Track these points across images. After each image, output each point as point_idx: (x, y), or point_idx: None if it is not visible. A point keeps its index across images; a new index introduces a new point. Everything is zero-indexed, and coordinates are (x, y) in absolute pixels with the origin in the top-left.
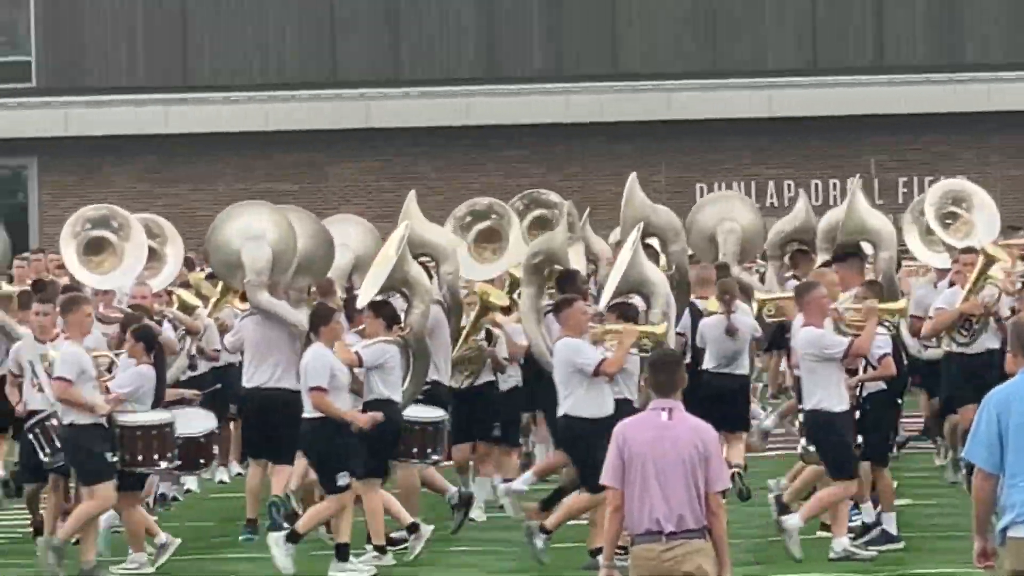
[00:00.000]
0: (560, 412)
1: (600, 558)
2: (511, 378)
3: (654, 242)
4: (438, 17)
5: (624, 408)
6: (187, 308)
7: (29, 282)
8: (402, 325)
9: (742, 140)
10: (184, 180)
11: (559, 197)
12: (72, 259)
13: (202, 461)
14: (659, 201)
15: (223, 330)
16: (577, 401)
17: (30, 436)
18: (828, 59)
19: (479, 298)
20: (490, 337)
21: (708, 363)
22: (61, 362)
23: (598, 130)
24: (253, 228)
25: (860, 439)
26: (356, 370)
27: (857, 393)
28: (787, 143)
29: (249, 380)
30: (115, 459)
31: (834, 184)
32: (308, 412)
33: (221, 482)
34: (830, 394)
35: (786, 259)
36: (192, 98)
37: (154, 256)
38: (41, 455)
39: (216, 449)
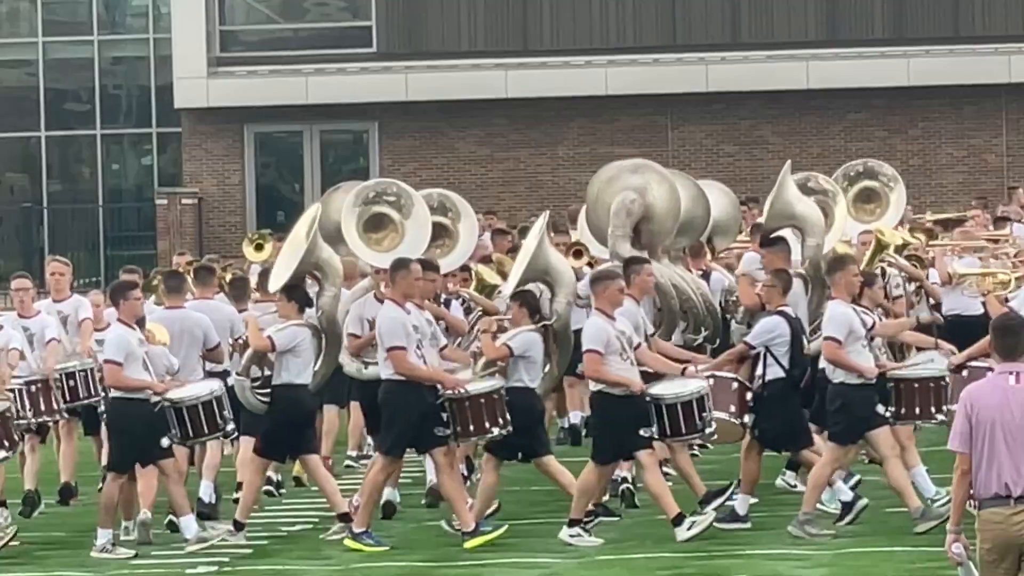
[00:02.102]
0: None
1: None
2: None
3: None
4: None
5: (521, 396)
6: (486, 287)
7: None
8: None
9: None
10: (524, 144)
11: (893, 170)
12: (353, 236)
13: None
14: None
15: None
16: None
17: None
18: None
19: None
20: None
21: None
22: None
23: (939, 93)
24: (633, 183)
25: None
26: (270, 354)
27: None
28: None
29: None
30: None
31: None
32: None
33: None
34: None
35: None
36: (531, 62)
37: (445, 233)
38: None
39: None
